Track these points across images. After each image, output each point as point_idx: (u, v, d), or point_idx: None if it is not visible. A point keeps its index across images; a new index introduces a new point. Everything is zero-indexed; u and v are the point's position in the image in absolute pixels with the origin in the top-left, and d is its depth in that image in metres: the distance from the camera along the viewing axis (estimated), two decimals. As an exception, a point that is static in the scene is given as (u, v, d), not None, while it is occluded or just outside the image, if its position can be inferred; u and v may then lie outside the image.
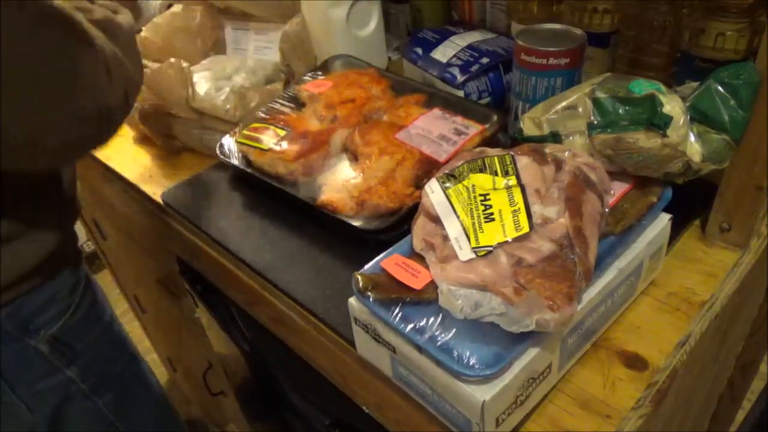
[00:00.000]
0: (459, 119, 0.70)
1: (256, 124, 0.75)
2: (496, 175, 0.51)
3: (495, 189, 0.49)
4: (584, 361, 0.51)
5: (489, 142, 0.67)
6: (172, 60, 0.81)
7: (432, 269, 0.46)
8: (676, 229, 0.56)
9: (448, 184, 0.51)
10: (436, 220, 0.49)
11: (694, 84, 0.54)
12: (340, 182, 0.66)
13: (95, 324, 0.75)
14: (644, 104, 0.51)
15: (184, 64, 0.81)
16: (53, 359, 0.70)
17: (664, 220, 0.53)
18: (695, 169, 0.52)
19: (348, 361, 0.56)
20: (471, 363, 0.41)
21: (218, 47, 0.99)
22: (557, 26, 0.68)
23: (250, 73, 0.88)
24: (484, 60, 0.78)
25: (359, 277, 0.47)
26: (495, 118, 0.70)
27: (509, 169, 0.51)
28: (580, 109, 0.55)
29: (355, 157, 0.69)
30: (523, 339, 0.42)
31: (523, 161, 0.51)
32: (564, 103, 0.56)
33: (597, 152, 0.54)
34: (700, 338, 0.54)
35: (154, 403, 0.91)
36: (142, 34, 0.97)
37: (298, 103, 0.80)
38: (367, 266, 0.50)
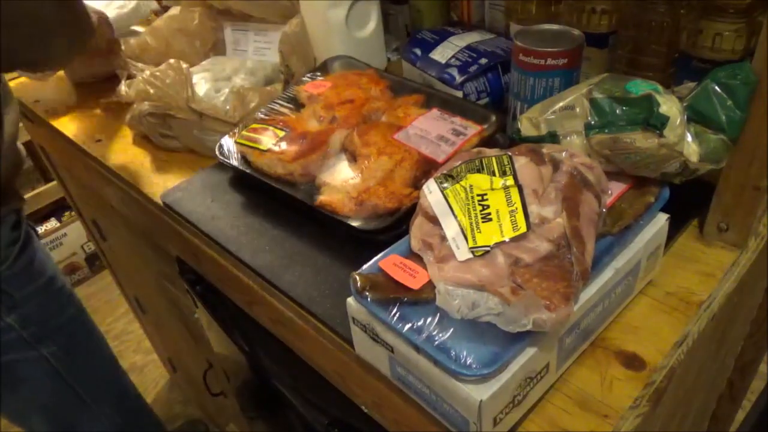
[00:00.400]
0: (457, 120, 0.70)
1: (255, 125, 0.75)
2: (494, 175, 0.51)
3: (492, 189, 0.49)
4: (582, 360, 0.51)
5: (487, 142, 0.67)
6: (172, 61, 0.82)
7: (430, 269, 0.46)
8: (674, 228, 0.56)
9: (445, 185, 0.51)
10: (433, 220, 0.49)
11: (692, 84, 0.54)
12: (338, 182, 0.66)
13: (35, 277, 0.81)
14: (641, 104, 0.51)
15: (184, 65, 0.82)
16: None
17: (661, 219, 0.54)
18: (692, 169, 0.52)
19: (346, 360, 0.56)
20: (468, 362, 0.41)
21: (218, 48, 1.00)
22: (555, 27, 0.68)
23: (249, 74, 0.89)
24: (483, 60, 0.78)
25: (357, 278, 0.47)
26: (493, 118, 0.70)
27: (507, 169, 0.51)
28: (578, 110, 0.55)
29: (353, 158, 0.69)
30: (520, 338, 0.43)
31: (521, 161, 0.52)
32: (562, 104, 0.56)
33: (594, 152, 0.54)
34: (698, 338, 0.54)
35: (103, 361, 0.96)
36: (141, 37, 0.97)
37: (297, 104, 0.80)
38: (365, 266, 0.50)
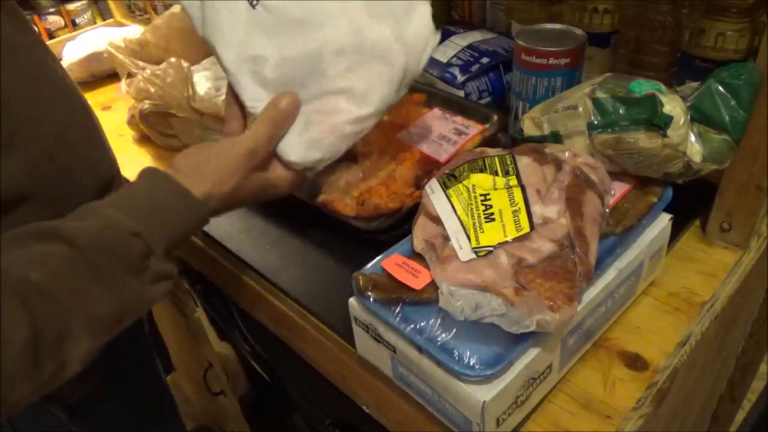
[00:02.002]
0: (459, 119, 0.70)
1: (256, 124, 0.75)
2: (497, 175, 0.51)
3: (495, 189, 0.49)
4: (585, 361, 0.51)
5: (489, 142, 0.67)
6: (173, 60, 0.82)
7: (432, 269, 0.46)
8: (677, 229, 0.56)
9: (448, 184, 0.51)
10: (436, 220, 0.49)
11: (695, 84, 0.54)
12: (340, 182, 0.66)
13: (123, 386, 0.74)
14: (644, 104, 0.51)
15: (185, 64, 0.81)
16: (71, 425, 0.70)
17: (664, 220, 0.53)
18: (695, 170, 0.52)
19: (348, 361, 0.56)
20: (471, 363, 0.41)
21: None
22: (557, 26, 0.68)
23: (250, 73, 0.88)
24: (485, 60, 0.78)
25: (359, 277, 0.47)
26: (495, 118, 0.70)
27: (510, 169, 0.51)
28: (581, 109, 0.55)
29: (355, 157, 0.69)
30: (523, 339, 0.42)
31: (524, 161, 0.51)
32: (564, 103, 0.56)
33: (597, 152, 0.54)
34: (701, 338, 0.54)
35: None
36: (142, 35, 0.97)
37: (299, 103, 0.80)
38: (367, 266, 0.50)
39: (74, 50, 1.08)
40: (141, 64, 0.89)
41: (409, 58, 0.47)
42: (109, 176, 0.61)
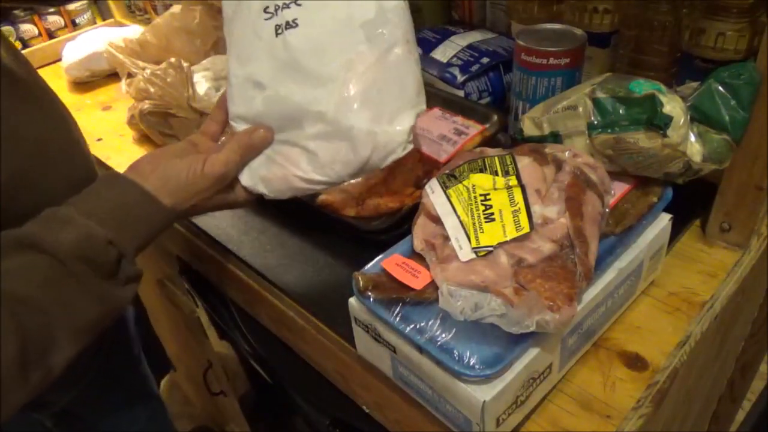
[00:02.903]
0: (459, 119, 0.70)
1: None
2: (497, 175, 0.51)
3: (495, 189, 0.49)
4: (584, 361, 0.51)
5: (489, 142, 0.67)
6: (173, 60, 0.82)
7: (432, 270, 0.46)
8: (677, 229, 0.56)
9: (448, 184, 0.51)
10: (436, 220, 0.49)
11: (695, 84, 0.54)
12: (340, 182, 0.66)
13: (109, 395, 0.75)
14: (644, 104, 0.51)
15: (185, 64, 0.81)
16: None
17: (664, 220, 0.53)
18: (695, 170, 0.52)
19: (348, 361, 0.56)
20: (471, 363, 0.41)
21: (218, 47, 0.99)
22: (557, 26, 0.68)
23: (250, 73, 0.88)
24: (485, 60, 0.78)
25: (359, 277, 0.47)
26: (495, 118, 0.70)
27: (510, 169, 0.51)
28: (581, 109, 0.55)
29: (355, 157, 0.69)
30: (523, 339, 0.42)
31: (524, 161, 0.51)
32: (564, 103, 0.56)
33: (597, 152, 0.54)
34: (701, 338, 0.54)
35: None
36: (142, 35, 0.97)
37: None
38: (367, 266, 0.50)
39: (74, 50, 1.08)
40: (141, 64, 0.89)
41: (373, 155, 0.49)
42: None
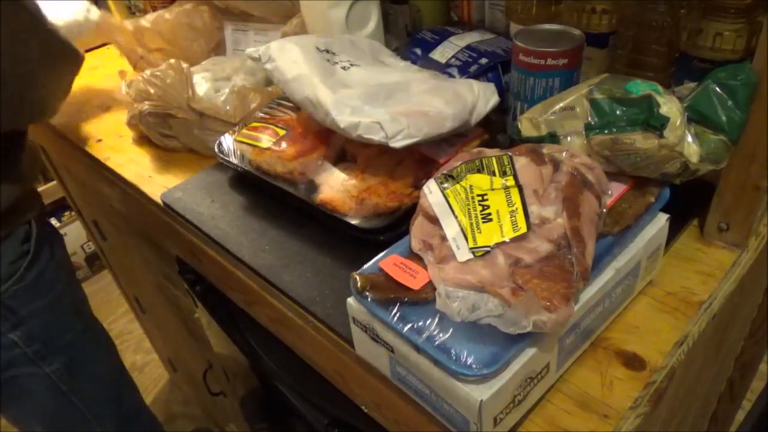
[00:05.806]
0: (458, 120, 0.70)
1: (255, 124, 0.75)
2: (494, 175, 0.51)
3: (493, 189, 0.49)
4: (582, 360, 0.51)
5: (487, 142, 0.67)
6: (172, 61, 0.82)
7: (430, 270, 0.46)
8: (674, 229, 0.56)
9: (446, 185, 0.51)
10: (434, 220, 0.49)
11: (692, 84, 0.54)
12: (339, 181, 0.66)
13: (43, 294, 0.78)
14: (641, 105, 0.51)
15: (184, 65, 0.82)
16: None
17: (661, 220, 0.54)
18: (693, 170, 0.52)
19: (347, 360, 0.56)
20: (469, 363, 0.41)
21: (219, 49, 1.00)
22: (556, 27, 0.68)
23: (249, 74, 0.89)
24: (483, 60, 0.78)
25: (357, 278, 0.47)
26: (493, 118, 0.70)
27: (507, 169, 0.51)
28: (578, 110, 0.55)
29: (354, 157, 0.69)
30: (520, 339, 0.42)
31: (521, 162, 0.52)
32: (562, 104, 0.56)
33: (594, 153, 0.54)
34: (699, 338, 0.54)
35: (107, 377, 0.94)
36: (144, 23, 0.96)
37: (298, 104, 0.80)
38: (365, 266, 0.50)
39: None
40: (140, 50, 0.90)
41: (477, 101, 0.66)
42: None
